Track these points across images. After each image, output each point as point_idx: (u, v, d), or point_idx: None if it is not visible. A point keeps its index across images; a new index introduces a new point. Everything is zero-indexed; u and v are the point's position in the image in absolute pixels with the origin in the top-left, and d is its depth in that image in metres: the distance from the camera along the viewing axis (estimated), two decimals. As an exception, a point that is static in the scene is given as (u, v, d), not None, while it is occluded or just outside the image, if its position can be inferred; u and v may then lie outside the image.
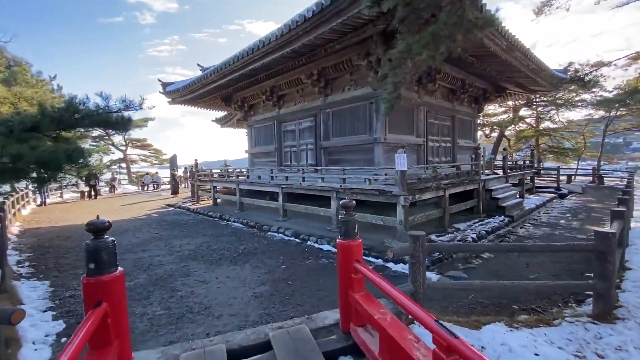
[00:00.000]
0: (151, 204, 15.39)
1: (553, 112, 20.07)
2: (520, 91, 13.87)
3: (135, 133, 31.38)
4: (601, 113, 18.27)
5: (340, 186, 7.62)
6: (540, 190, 14.85)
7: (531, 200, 11.87)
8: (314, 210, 8.54)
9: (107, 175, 25.78)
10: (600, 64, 10.56)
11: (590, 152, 20.27)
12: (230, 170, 15.95)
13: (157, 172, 26.41)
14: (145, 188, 24.57)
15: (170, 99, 14.40)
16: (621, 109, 17.29)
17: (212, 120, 19.16)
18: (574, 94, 19.89)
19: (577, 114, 20.21)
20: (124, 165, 31.20)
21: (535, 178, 14.74)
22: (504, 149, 10.95)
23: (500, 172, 11.62)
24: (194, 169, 15.61)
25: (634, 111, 16.18)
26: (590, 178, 18.04)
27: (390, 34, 7.77)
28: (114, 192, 22.46)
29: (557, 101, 19.21)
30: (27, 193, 14.48)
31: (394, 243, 6.40)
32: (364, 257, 6.05)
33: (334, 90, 10.29)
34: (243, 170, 14.76)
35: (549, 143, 20.45)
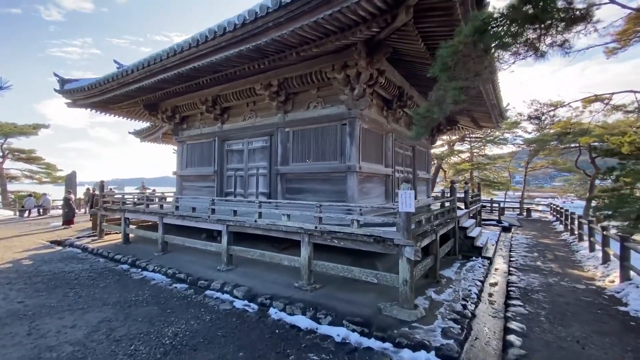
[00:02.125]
0: (28, 239, 11.09)
1: (484, 147, 21.69)
2: (471, 125, 14.17)
3: (19, 142, 24.69)
4: (525, 150, 20.30)
5: (316, 227, 5.73)
6: (484, 222, 15.11)
7: (487, 235, 11.62)
8: (273, 258, 6.41)
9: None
10: (558, 104, 11.21)
11: (514, 187, 22.37)
12: (149, 193, 12.63)
13: (45, 194, 20.53)
14: (27, 214, 18.75)
15: (70, 100, 10.90)
16: (536, 149, 19.37)
17: (130, 133, 15.57)
18: (499, 133, 21.87)
19: (502, 151, 22.19)
20: (-4, 182, 23.90)
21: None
22: (465, 183, 10.67)
23: (462, 206, 11.13)
24: (96, 192, 11.78)
25: (552, 151, 18.27)
26: (518, 210, 19.58)
27: (376, 45, 6.52)
28: (-27, 219, 16.40)
29: (488, 138, 20.75)
30: None
31: (395, 310, 4.71)
32: (358, 337, 4.22)
33: (296, 106, 8.59)
34: (167, 195, 11.73)
35: (480, 176, 21.99)
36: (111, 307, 4.94)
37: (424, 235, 5.48)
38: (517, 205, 20.42)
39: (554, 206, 17.47)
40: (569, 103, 9.53)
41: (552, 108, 9.80)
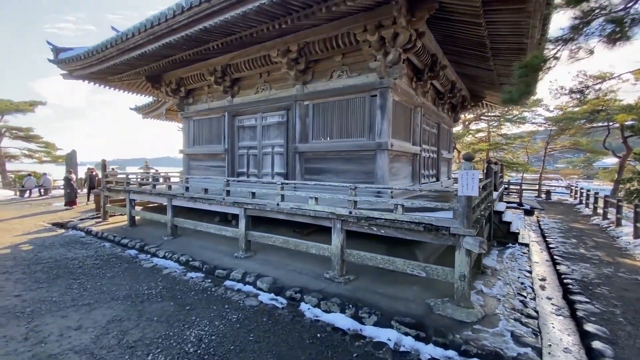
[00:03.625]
0: (29, 221, 10.48)
1: (501, 126, 20.68)
2: (495, 101, 13.17)
3: (16, 119, 23.79)
4: (543, 130, 19.30)
5: (350, 212, 5.01)
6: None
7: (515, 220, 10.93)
8: (299, 246, 5.73)
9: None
10: (606, 76, 10.19)
11: (532, 169, 21.53)
12: (154, 173, 11.89)
13: (45, 174, 19.83)
14: (27, 194, 18.15)
15: (65, 71, 9.97)
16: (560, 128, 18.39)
17: (131, 109, 14.65)
18: (517, 112, 20.79)
19: (519, 130, 21.18)
20: (-5, 161, 23.20)
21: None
22: (495, 163, 9.82)
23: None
24: (96, 172, 11.08)
25: (577, 130, 17.29)
26: (536, 192, 18.85)
27: (420, -1, 5.54)
28: (-28, 199, 15.80)
29: (506, 116, 19.72)
30: None
31: (450, 309, 4.06)
32: (413, 342, 3.59)
33: (317, 76, 7.67)
34: (172, 175, 11.01)
35: (497, 157, 21.11)
36: (121, 303, 4.31)
37: (477, 222, 4.76)
38: (535, 187, 19.65)
39: (576, 188, 16.72)
40: (619, 75, 8.54)
41: (599, 81, 8.83)
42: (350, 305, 4.26)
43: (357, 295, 4.56)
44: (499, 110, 19.26)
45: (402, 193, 6.89)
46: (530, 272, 5.90)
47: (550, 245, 8.01)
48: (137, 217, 9.63)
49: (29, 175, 19.21)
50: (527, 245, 7.70)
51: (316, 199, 5.51)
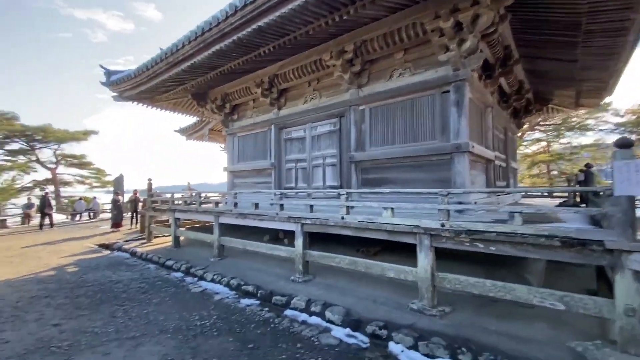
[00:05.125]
0: (77, 243, 10.41)
1: (561, 136, 18.71)
2: (565, 105, 11.71)
3: (71, 147, 25.42)
4: (613, 138, 17.10)
5: (443, 225, 4.00)
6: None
7: None
8: (371, 268, 4.74)
9: (24, 200, 19.57)
10: None
11: (604, 182, 19.04)
12: (199, 194, 11.57)
13: (95, 198, 20.65)
14: (78, 217, 18.80)
15: (116, 93, 10.10)
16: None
17: (176, 131, 14.85)
18: (578, 119, 18.79)
19: (579, 140, 19.04)
20: (52, 187, 24.71)
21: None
22: (587, 165, 8.27)
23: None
24: (138, 195, 10.99)
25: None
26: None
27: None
28: (29, 222, 16.51)
29: (567, 123, 17.83)
30: None
31: (612, 357, 2.84)
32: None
33: (373, 77, 6.96)
34: (212, 196, 10.55)
35: (557, 169, 18.96)
36: (171, 337, 3.55)
37: None
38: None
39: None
40: None
41: None
42: (464, 349, 3.16)
43: (464, 334, 3.46)
44: (559, 117, 17.45)
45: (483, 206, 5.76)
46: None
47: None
48: (181, 238, 9.18)
49: (80, 199, 20.04)
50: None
51: (392, 209, 4.58)
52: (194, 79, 8.52)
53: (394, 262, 4.55)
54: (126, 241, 10.63)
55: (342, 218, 5.09)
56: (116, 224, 13.37)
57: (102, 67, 10.21)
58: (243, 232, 7.77)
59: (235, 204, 7.19)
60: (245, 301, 4.87)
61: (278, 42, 6.49)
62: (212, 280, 5.97)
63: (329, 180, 7.79)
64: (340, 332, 3.79)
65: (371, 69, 6.96)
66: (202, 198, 8.47)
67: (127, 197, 22.02)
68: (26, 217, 16.74)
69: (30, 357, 3.09)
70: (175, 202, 9.32)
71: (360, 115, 7.06)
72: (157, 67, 7.93)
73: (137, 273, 6.44)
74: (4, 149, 21.97)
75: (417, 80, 6.24)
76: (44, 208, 14.27)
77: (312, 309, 4.39)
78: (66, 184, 26.17)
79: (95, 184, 26.82)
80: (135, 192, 14.45)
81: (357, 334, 3.78)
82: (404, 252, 4.69)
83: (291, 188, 8.56)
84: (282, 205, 6.12)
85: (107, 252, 9.19)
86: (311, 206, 5.65)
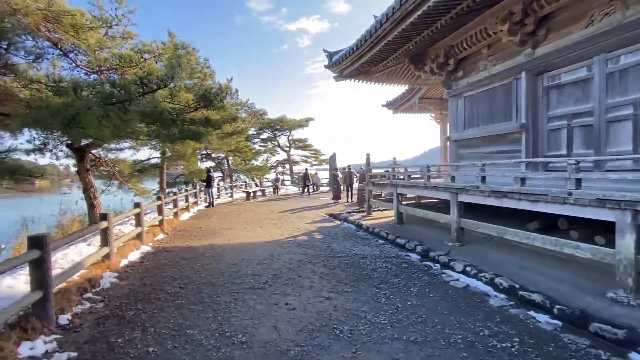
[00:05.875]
0: (311, 213, 12.08)
1: None
2: None
3: (297, 133, 31.29)
4: None
5: None
6: None
7: None
8: None
9: (272, 176, 25.76)
10: None
11: None
12: (428, 167, 10.81)
13: (316, 173, 24.48)
14: (307, 190, 22.86)
15: (337, 73, 10.58)
16: None
17: (383, 105, 14.67)
18: None
19: None
20: (287, 166, 31.54)
21: None
22: None
23: None
24: (353, 171, 11.48)
25: None
26: None
27: None
28: (277, 193, 21.51)
29: None
30: (195, 193, 13.88)
31: None
32: None
33: None
34: (426, 169, 9.24)
35: None
36: (465, 352, 2.60)
37: None
38: None
39: None
40: None
41: None
42: None
43: None
44: None
45: None
46: None
47: None
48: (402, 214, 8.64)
49: (305, 171, 24.23)
50: None
51: None
52: (418, 34, 7.37)
53: None
54: (348, 212, 11.35)
55: None
56: (336, 196, 14.84)
57: (324, 50, 10.88)
58: (484, 214, 6.19)
59: (483, 179, 5.63)
60: (536, 316, 3.39)
61: None
62: (464, 273, 4.80)
63: (633, 144, 4.82)
64: None
65: None
66: (430, 172, 7.42)
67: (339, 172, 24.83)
68: (275, 189, 21.83)
69: (317, 336, 2.94)
70: (399, 177, 8.79)
71: None
72: (378, 33, 7.32)
73: (376, 249, 6.22)
74: (259, 138, 29.69)
75: None
76: (305, 180, 19.65)
77: None
78: (295, 162, 32.69)
79: (314, 162, 32.09)
80: (348, 167, 15.54)
81: None
82: None
83: (557, 156, 6.05)
84: (578, 180, 4.02)
85: (337, 222, 9.97)
86: (656, 182, 3.30)
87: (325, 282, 4.41)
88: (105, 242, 4.75)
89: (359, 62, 9.02)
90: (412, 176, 8.27)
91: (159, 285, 4.32)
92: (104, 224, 4.70)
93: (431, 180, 7.30)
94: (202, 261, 5.51)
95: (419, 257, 5.89)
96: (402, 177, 8.61)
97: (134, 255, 5.62)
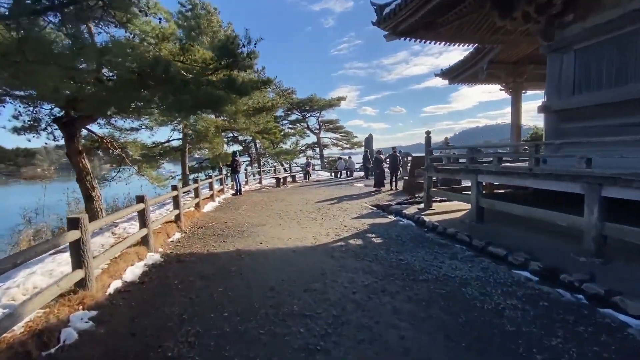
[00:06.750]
0: (353, 203, 10.28)
1: None
2: None
3: (327, 114, 29.23)
4: None
5: None
6: None
7: None
8: None
9: (301, 160, 24.15)
10: None
11: None
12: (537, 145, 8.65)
13: (350, 157, 22.50)
14: (339, 175, 21.05)
15: (389, 30, 8.45)
16: None
17: (437, 75, 12.30)
18: None
19: None
20: (317, 149, 29.75)
21: None
22: None
23: None
24: (398, 155, 9.32)
25: None
26: None
27: None
28: (309, 178, 19.87)
29: None
30: (220, 179, 12.47)
31: None
32: None
33: None
34: (534, 149, 7.05)
35: None
36: None
37: None
38: None
39: None
40: None
41: None
42: None
43: None
44: None
45: None
46: None
47: None
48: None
49: (339, 158, 22.34)
50: None
51: None
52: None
53: None
54: (398, 204, 9.47)
55: None
56: (379, 182, 12.91)
57: (372, 4, 8.73)
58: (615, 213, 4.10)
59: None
60: None
61: None
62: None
63: None
64: None
65: None
66: (540, 154, 5.32)
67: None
68: (307, 174, 20.19)
69: None
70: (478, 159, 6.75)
71: None
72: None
73: (472, 265, 4.32)
74: (287, 120, 27.98)
75: None
76: (366, 162, 17.79)
77: None
78: (325, 146, 30.83)
79: (345, 145, 30.06)
80: (394, 149, 13.48)
81: None
82: None
83: None
84: None
85: (390, 217, 8.10)
86: None
87: (424, 336, 2.64)
88: (78, 262, 3.16)
89: (424, 9, 6.88)
90: (503, 158, 6.19)
91: (154, 338, 2.72)
92: (72, 235, 3.08)
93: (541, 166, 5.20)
94: (226, 282, 3.93)
95: (535, 277, 3.98)
96: (485, 160, 6.55)
97: (133, 272, 4.12)
